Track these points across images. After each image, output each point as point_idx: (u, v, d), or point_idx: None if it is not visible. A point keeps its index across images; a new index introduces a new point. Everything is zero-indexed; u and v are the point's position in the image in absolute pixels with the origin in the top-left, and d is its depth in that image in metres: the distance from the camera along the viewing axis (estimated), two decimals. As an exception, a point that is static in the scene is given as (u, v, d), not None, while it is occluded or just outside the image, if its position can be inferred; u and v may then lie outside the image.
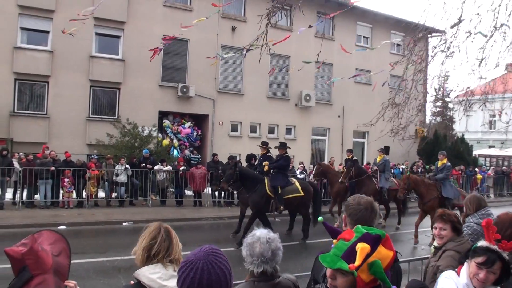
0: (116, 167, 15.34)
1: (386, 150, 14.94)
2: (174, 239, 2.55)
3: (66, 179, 14.43)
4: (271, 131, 22.53)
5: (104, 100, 19.21)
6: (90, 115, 18.62)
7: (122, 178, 15.22)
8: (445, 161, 12.18)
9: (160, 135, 19.72)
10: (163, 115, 20.22)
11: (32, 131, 17.20)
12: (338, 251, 1.87)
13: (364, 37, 25.67)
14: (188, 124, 20.43)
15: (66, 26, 14.57)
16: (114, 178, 15.33)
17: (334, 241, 2.00)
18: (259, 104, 21.93)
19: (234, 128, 21.68)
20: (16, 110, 17.45)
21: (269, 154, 14.66)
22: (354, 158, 15.11)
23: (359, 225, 2.01)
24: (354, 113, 24.37)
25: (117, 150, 16.98)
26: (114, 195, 15.73)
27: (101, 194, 15.88)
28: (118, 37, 19.23)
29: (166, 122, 20.09)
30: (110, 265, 8.47)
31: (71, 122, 17.83)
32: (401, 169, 20.89)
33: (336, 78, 16.74)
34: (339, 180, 13.18)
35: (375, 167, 13.85)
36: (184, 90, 19.64)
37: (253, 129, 22.10)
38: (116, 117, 18.81)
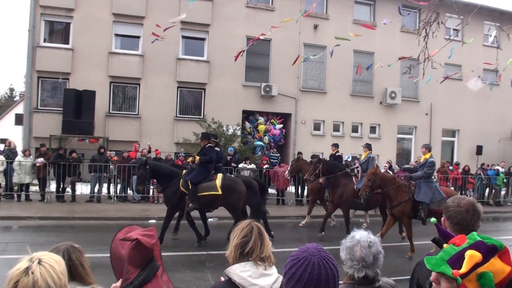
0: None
1: (370, 146, 12.70)
2: (266, 237, 2.51)
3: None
4: (354, 129, 21.99)
5: (190, 100, 19.91)
6: (178, 115, 19.39)
7: (208, 175, 15.58)
8: (428, 155, 9.85)
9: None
10: (247, 114, 20.51)
11: (125, 130, 18.28)
12: (445, 255, 1.76)
13: (453, 29, 24.26)
14: (279, 126, 20.52)
15: (156, 32, 15.48)
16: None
17: (445, 245, 1.86)
18: (342, 102, 21.49)
19: (316, 127, 21.44)
20: (111, 111, 18.70)
21: (338, 154, 14.25)
22: (338, 154, 14.36)
23: (474, 232, 1.85)
24: (443, 110, 23.11)
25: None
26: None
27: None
28: (203, 39, 19.84)
29: (246, 123, 20.34)
30: (197, 259, 8.62)
31: (160, 121, 18.67)
32: (496, 171, 19.35)
33: (429, 77, 15.90)
34: (304, 178, 12.04)
35: (356, 165, 12.39)
36: (267, 89, 19.78)
37: (336, 128, 21.70)
38: (201, 116, 19.41)
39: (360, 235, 2.42)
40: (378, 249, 2.39)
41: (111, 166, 15.02)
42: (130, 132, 18.27)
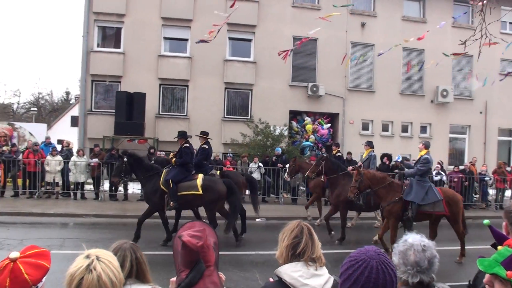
0: (250, 165, 15.83)
1: (372, 144, 12.43)
2: (316, 238, 2.48)
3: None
4: (404, 129, 21.41)
5: (237, 101, 20.06)
6: (225, 116, 19.57)
7: (256, 175, 15.59)
8: (423, 152, 9.12)
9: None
10: (294, 114, 20.43)
11: (174, 131, 18.44)
12: (499, 256, 1.77)
13: (510, 23, 23.20)
14: (326, 126, 20.34)
15: (203, 34, 15.74)
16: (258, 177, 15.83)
17: (499, 247, 1.81)
18: (391, 101, 20.97)
19: (365, 127, 21.04)
20: (160, 112, 19.13)
21: (338, 154, 14.09)
22: (339, 154, 14.13)
23: None
24: (499, 108, 22.11)
25: (250, 149, 17.58)
26: (248, 192, 16.22)
27: (236, 190, 16.49)
28: (250, 40, 19.95)
29: (293, 123, 20.27)
30: (246, 258, 8.64)
31: (208, 122, 18.88)
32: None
33: (485, 79, 15.34)
34: (305, 174, 11.67)
35: (359, 163, 11.79)
36: (314, 89, 19.62)
37: (385, 128, 21.22)
38: (249, 117, 19.50)
39: (413, 238, 2.31)
40: (433, 253, 2.27)
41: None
42: (179, 133, 18.62)
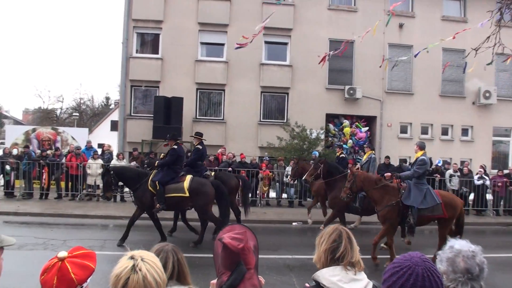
0: (286, 169, 15.78)
1: (372, 146, 12.34)
2: (354, 242, 2.44)
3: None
4: (444, 132, 20.84)
5: (273, 104, 20.06)
6: (261, 119, 19.61)
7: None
8: (419, 154, 8.75)
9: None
10: (331, 117, 20.26)
11: (211, 135, 18.75)
12: None
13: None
14: (364, 129, 20.10)
15: (239, 39, 15.84)
16: (284, 179, 15.79)
17: None
18: (431, 104, 20.46)
19: (403, 130, 20.61)
20: (197, 116, 19.37)
21: (342, 155, 13.82)
22: (342, 155, 13.75)
23: None
24: (546, 110, 21.24)
25: (286, 152, 17.53)
26: (284, 195, 16.19)
27: (272, 194, 16.49)
28: (286, 44, 19.94)
29: (330, 126, 20.08)
30: (282, 262, 8.57)
31: (245, 126, 19.00)
32: None
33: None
34: (303, 178, 11.44)
35: (357, 166, 11.39)
36: (351, 92, 19.40)
37: (424, 131, 20.72)
38: (285, 120, 19.45)
39: (460, 244, 2.22)
40: (482, 259, 2.17)
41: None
42: (216, 137, 18.77)
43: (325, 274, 2.32)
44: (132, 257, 1.80)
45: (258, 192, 15.79)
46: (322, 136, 18.97)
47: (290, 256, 9.00)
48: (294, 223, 12.91)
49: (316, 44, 19.06)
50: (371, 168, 11.67)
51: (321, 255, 2.40)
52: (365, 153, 12.31)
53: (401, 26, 20.22)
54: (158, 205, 9.30)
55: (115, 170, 9.95)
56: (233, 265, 2.15)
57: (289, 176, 13.27)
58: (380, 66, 15.89)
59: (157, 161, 9.78)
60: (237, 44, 13.91)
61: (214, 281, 2.29)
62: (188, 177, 9.46)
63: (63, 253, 1.98)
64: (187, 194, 9.25)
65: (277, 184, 16.09)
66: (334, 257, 2.36)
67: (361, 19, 19.34)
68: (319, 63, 14.31)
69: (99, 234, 10.55)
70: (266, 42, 19.69)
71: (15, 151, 16.06)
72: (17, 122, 48.12)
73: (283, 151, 17.74)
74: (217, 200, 9.75)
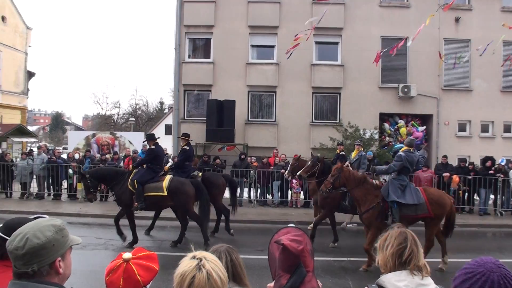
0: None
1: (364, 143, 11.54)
2: (420, 245, 2.34)
3: (294, 181, 15.25)
4: (507, 129, 19.81)
5: (325, 105, 19.87)
6: (313, 120, 19.48)
7: (346, 180, 15.30)
8: (403, 149, 8.63)
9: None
10: (385, 116, 19.81)
11: (263, 136, 18.94)
12: None
13: None
14: (421, 128, 19.53)
15: (290, 40, 15.83)
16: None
17: None
18: (491, 100, 19.50)
19: (462, 128, 19.79)
20: (249, 119, 19.52)
21: (342, 153, 13.15)
22: (342, 153, 13.04)
23: None
24: None
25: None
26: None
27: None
28: (337, 43, 19.71)
29: (385, 126, 19.62)
30: (338, 265, 8.47)
31: (296, 127, 18.94)
32: None
33: None
34: (297, 174, 10.94)
35: (346, 163, 10.49)
36: (405, 90, 18.87)
37: (484, 128, 19.80)
38: (337, 121, 19.22)
39: None
40: None
41: (251, 172, 15.60)
42: (268, 139, 18.84)
43: (391, 279, 2.26)
44: (195, 257, 1.82)
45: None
46: (376, 136, 18.57)
47: (346, 259, 8.88)
48: (349, 225, 12.70)
49: (368, 43, 18.71)
50: (361, 165, 11.49)
51: (387, 259, 2.33)
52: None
53: (457, 20, 19.45)
54: (136, 203, 9.38)
55: (91, 172, 10.04)
56: (292, 267, 2.12)
57: (287, 172, 12.85)
58: (440, 64, 15.34)
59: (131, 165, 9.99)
60: (289, 48, 14.00)
61: (271, 284, 2.27)
62: (168, 177, 9.54)
63: (127, 255, 2.03)
64: (165, 193, 9.30)
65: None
66: (402, 261, 2.29)
67: (414, 15, 18.75)
68: (374, 62, 14.09)
69: (156, 235, 10.81)
70: (316, 43, 19.52)
71: (77, 156, 16.91)
72: (78, 128, 50.55)
73: (335, 151, 17.48)
74: (198, 199, 9.81)
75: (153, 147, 9.79)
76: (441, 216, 8.26)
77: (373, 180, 8.68)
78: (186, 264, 1.79)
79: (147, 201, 9.37)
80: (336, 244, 10.11)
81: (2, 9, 24.29)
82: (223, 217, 10.79)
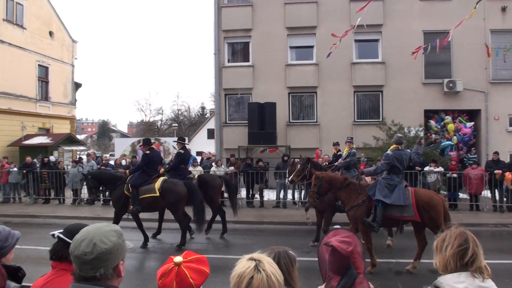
0: (385, 169, 15.24)
1: (352, 140, 11.35)
2: (480, 246, 2.24)
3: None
4: None
5: (367, 104, 19.58)
6: (356, 120, 19.25)
7: (392, 180, 14.98)
8: (391, 148, 8.38)
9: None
10: (430, 113, 19.28)
11: (305, 138, 18.86)
12: None
13: None
14: (469, 124, 18.91)
15: (328, 40, 15.70)
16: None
17: None
18: (545, 92, 18.60)
19: (513, 123, 18.99)
20: (291, 120, 19.50)
21: (340, 153, 12.71)
22: (339, 153, 12.54)
23: None
24: None
25: (384, 152, 16.91)
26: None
27: (371, 196, 16.01)
28: (377, 40, 19.37)
29: (431, 123, 19.09)
30: (386, 266, 8.24)
31: (338, 127, 18.73)
32: None
33: None
34: (289, 179, 10.85)
35: (338, 162, 10.59)
36: (450, 85, 18.29)
37: (538, 122, 18.93)
38: (380, 119, 18.88)
39: None
40: None
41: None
42: (310, 140, 18.75)
43: (449, 281, 2.19)
44: (252, 258, 1.82)
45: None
46: (421, 134, 18.05)
47: (394, 260, 8.67)
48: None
49: (410, 38, 18.28)
50: (351, 163, 11.25)
51: (448, 261, 2.26)
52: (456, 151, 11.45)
53: (504, 9, 18.68)
54: (131, 206, 9.67)
55: (92, 174, 10.57)
56: (343, 269, 2.10)
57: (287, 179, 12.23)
58: (488, 56, 14.77)
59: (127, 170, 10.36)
60: (331, 48, 13.90)
61: (322, 286, 2.25)
62: (161, 179, 9.81)
63: (179, 258, 2.06)
64: (157, 194, 9.56)
65: (376, 185, 15.58)
66: (463, 262, 2.21)
67: (457, 7, 18.12)
68: (412, 54, 13.74)
69: (202, 238, 10.88)
70: (356, 41, 19.27)
71: (124, 162, 17.40)
72: (123, 135, 52.06)
73: (381, 151, 17.14)
74: (190, 200, 9.89)
75: (147, 152, 10.06)
76: (435, 217, 7.74)
77: (357, 181, 8.61)
78: (244, 265, 1.79)
79: (142, 203, 9.67)
80: (316, 243, 9.98)
81: (49, 24, 25.38)
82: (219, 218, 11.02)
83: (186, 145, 11.01)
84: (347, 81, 19.15)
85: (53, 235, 2.43)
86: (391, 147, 8.41)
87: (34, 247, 9.39)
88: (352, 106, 19.27)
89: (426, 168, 14.93)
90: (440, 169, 15.09)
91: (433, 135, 18.80)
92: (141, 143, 11.00)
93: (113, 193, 10.36)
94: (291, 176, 10.72)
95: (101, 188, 10.86)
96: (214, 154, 18.48)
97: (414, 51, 13.69)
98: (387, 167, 8.04)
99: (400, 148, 8.26)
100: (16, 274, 2.58)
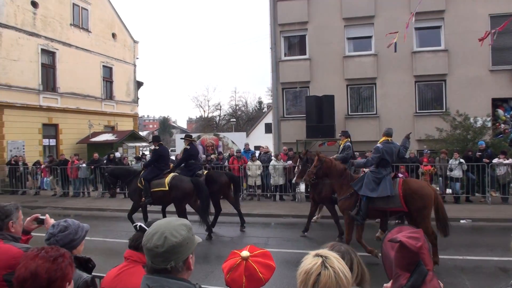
0: (449, 162, 14.67)
1: (347, 133, 11.23)
2: None
3: (400, 174, 14.65)
4: None
5: (429, 94, 18.86)
6: (417, 111, 18.63)
7: (457, 173, 14.38)
8: (380, 140, 8.34)
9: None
10: (498, 102, 18.26)
11: (364, 130, 18.48)
12: None
13: None
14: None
15: (387, 29, 15.25)
16: (448, 173, 14.70)
17: None
18: None
19: None
20: (349, 113, 19.20)
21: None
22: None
23: None
24: None
25: (448, 144, 16.30)
26: (448, 191, 15.07)
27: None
28: (439, 27, 18.59)
29: (499, 112, 18.09)
30: (452, 263, 7.91)
31: (399, 119, 18.20)
32: None
33: None
34: (293, 181, 11.27)
35: (334, 156, 10.38)
36: (521, 71, 17.24)
37: None
38: (444, 110, 18.12)
39: None
40: None
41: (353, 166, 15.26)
42: (370, 132, 18.36)
43: None
44: (318, 255, 1.81)
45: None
46: (489, 124, 17.15)
47: (461, 257, 8.33)
48: (462, 221, 11.93)
49: (474, 23, 17.39)
50: (340, 152, 11.10)
51: None
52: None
53: None
54: (143, 198, 10.26)
55: (109, 171, 11.33)
56: (412, 266, 2.04)
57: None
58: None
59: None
60: (391, 42, 13.55)
61: (388, 284, 2.21)
62: (171, 174, 10.33)
63: (245, 253, 2.09)
64: (167, 188, 10.07)
65: (440, 179, 15.02)
66: None
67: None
68: (479, 40, 13.05)
69: (262, 232, 11.06)
70: (416, 29, 18.55)
71: (184, 157, 17.82)
72: (183, 131, 53.39)
73: (445, 143, 16.52)
74: (197, 196, 10.39)
75: (157, 147, 10.71)
76: (423, 208, 7.62)
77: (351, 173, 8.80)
78: (310, 261, 1.79)
79: (153, 196, 10.23)
80: (306, 234, 10.26)
81: (112, 27, 26.50)
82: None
83: (193, 141, 11.41)
84: (408, 71, 18.55)
85: (135, 226, 2.55)
86: (381, 139, 8.42)
87: (102, 239, 10.04)
88: (413, 96, 18.65)
89: (495, 160, 14.21)
90: (510, 161, 14.32)
91: (502, 125, 17.78)
92: (150, 141, 11.79)
93: (129, 186, 11.15)
94: (295, 178, 10.90)
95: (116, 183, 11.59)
96: (266, 149, 18.31)
97: (481, 38, 13.00)
98: (378, 160, 8.04)
99: (389, 140, 8.27)
100: (87, 265, 2.71)
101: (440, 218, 7.91)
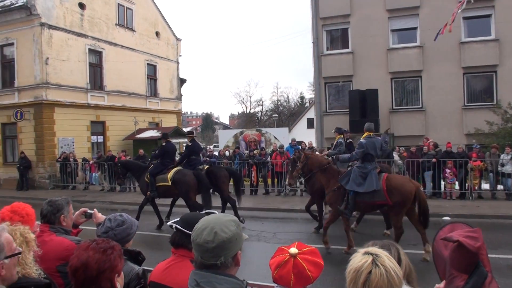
0: (501, 157, 14.08)
1: (340, 130, 11.15)
2: None
3: (447, 170, 14.24)
4: None
5: (479, 86, 18.17)
6: (466, 104, 17.98)
7: (509, 168, 13.78)
8: (365, 135, 8.38)
9: None
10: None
11: (410, 124, 18.03)
12: None
13: None
14: None
15: (433, 20, 14.75)
16: (499, 168, 14.11)
17: None
18: None
19: None
20: (394, 107, 18.79)
21: (349, 140, 12.64)
22: (349, 140, 12.82)
23: None
24: None
25: (499, 138, 15.64)
26: (500, 187, 14.47)
27: (485, 186, 14.87)
28: (489, 15, 17.82)
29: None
30: (504, 263, 7.55)
31: (446, 112, 17.66)
32: None
33: None
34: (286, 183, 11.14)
35: (327, 152, 10.83)
36: None
37: None
38: (495, 102, 17.41)
39: None
40: None
41: (399, 161, 14.93)
42: (416, 126, 17.91)
43: None
44: (368, 253, 1.77)
45: (467, 184, 14.41)
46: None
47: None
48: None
49: (528, 10, 16.58)
50: (334, 148, 11.18)
51: None
52: None
53: None
54: (148, 192, 10.83)
55: (121, 162, 12.29)
56: (470, 266, 1.95)
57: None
58: None
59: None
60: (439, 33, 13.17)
61: (441, 285, 2.12)
62: (174, 169, 10.76)
63: (294, 249, 2.07)
64: (169, 183, 10.55)
65: (491, 174, 14.43)
66: None
67: None
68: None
69: (304, 228, 10.93)
70: (464, 18, 17.87)
71: (227, 153, 18.08)
72: (225, 127, 54.07)
73: (495, 137, 15.86)
74: (199, 189, 10.68)
75: (164, 144, 11.31)
76: (402, 203, 7.92)
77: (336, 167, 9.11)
78: (360, 259, 1.75)
79: (159, 190, 10.80)
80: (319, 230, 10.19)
81: (156, 25, 27.04)
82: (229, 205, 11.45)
83: (194, 137, 11.85)
84: (455, 63, 17.90)
85: (171, 226, 2.61)
86: (364, 135, 8.52)
87: (147, 232, 10.36)
88: (461, 89, 17.99)
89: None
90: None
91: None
92: (160, 138, 12.43)
93: (139, 181, 11.68)
94: (287, 180, 11.04)
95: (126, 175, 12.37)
96: (310, 144, 18.22)
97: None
98: (362, 155, 8.23)
99: (371, 135, 8.44)
100: (137, 258, 2.80)
101: (422, 212, 8.11)
